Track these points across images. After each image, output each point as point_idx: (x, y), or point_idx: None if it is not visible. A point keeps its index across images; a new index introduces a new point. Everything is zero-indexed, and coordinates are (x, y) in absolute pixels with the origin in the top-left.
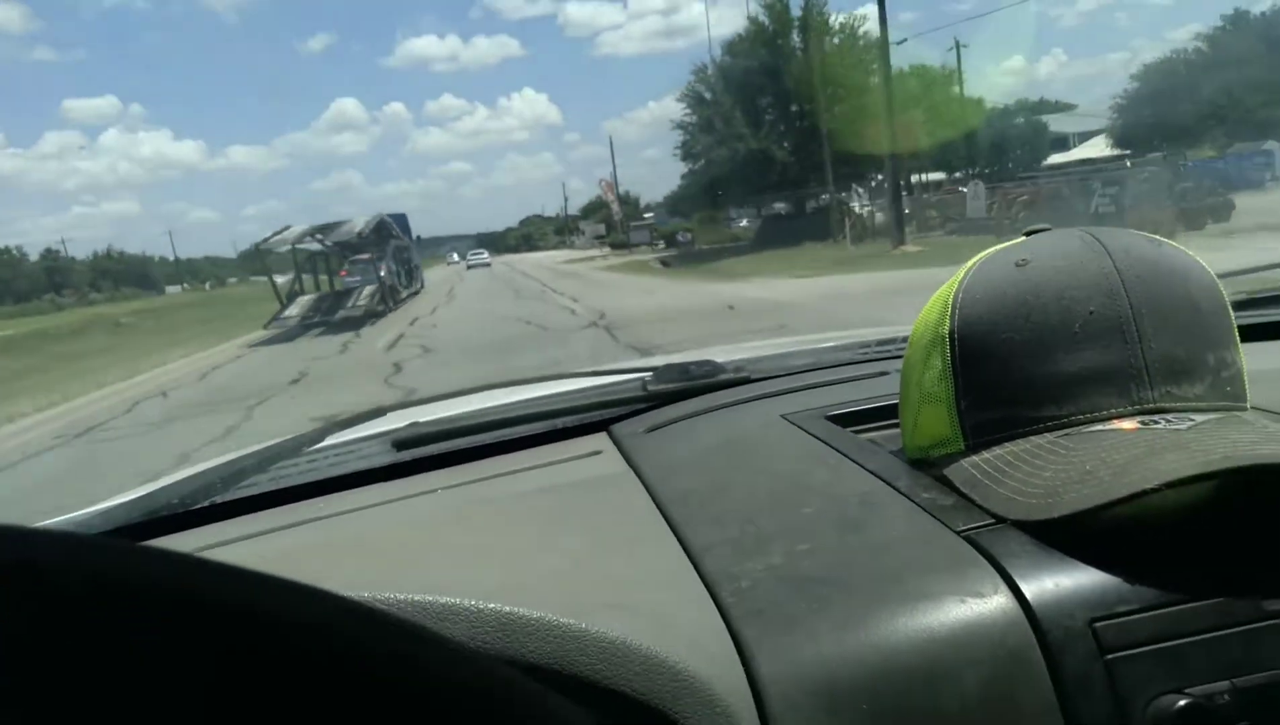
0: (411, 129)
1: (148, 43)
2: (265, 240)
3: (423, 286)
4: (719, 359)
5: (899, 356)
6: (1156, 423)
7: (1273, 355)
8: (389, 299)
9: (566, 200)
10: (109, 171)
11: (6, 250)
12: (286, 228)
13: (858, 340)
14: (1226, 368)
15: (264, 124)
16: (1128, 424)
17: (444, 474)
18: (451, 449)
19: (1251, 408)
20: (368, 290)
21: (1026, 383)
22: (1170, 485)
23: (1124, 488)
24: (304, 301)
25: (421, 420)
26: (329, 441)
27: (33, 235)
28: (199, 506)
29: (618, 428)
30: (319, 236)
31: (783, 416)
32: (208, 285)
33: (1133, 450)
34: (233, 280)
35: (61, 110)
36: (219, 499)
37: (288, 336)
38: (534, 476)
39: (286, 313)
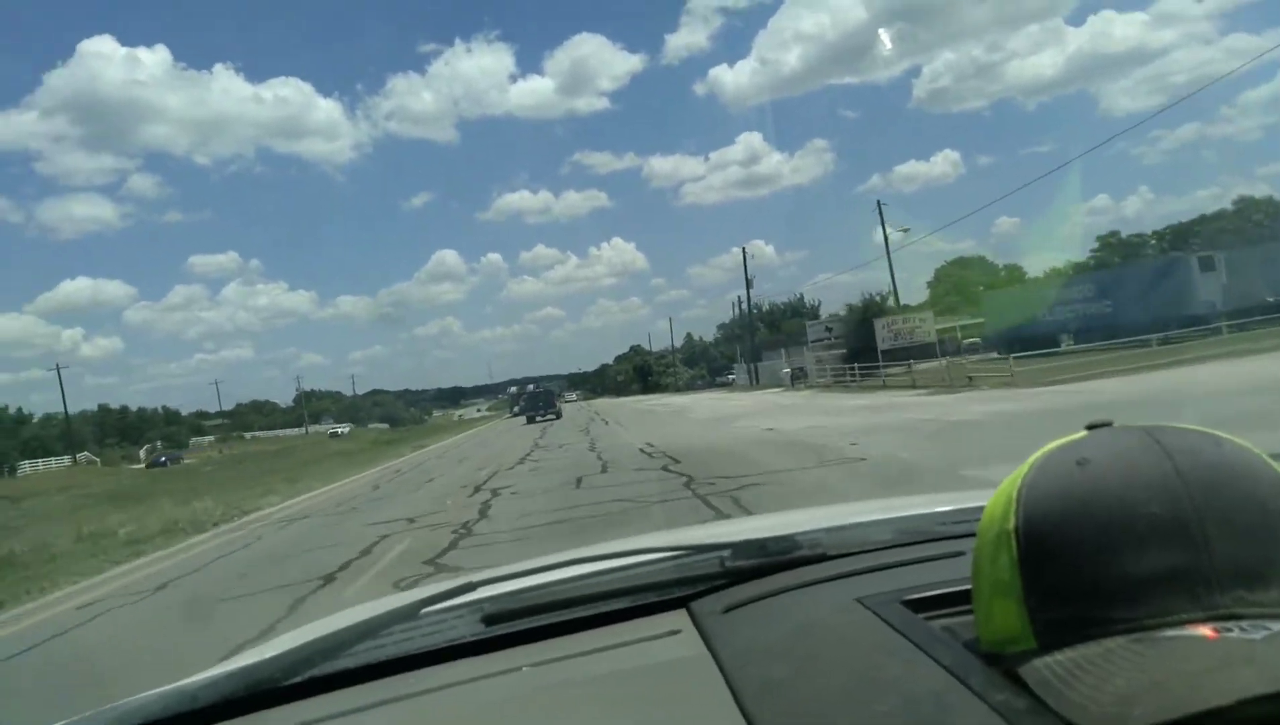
0: (507, 277)
1: (266, 204)
2: (508, 392)
3: (559, 415)
4: (800, 528)
5: (974, 535)
6: (1230, 630)
7: None
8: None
9: (750, 281)
10: (228, 321)
11: None
12: (510, 384)
13: (934, 511)
14: None
15: (370, 275)
16: (1203, 630)
17: (531, 650)
18: (537, 625)
19: None
20: (547, 408)
21: (1094, 583)
22: (1245, 703)
23: (1198, 703)
24: (517, 409)
25: (508, 592)
26: (423, 613)
27: (159, 380)
28: (296, 681)
29: (697, 605)
30: (523, 389)
31: (858, 600)
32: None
33: (1205, 661)
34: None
35: (188, 266)
36: (316, 673)
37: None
38: (618, 656)
39: (519, 407)
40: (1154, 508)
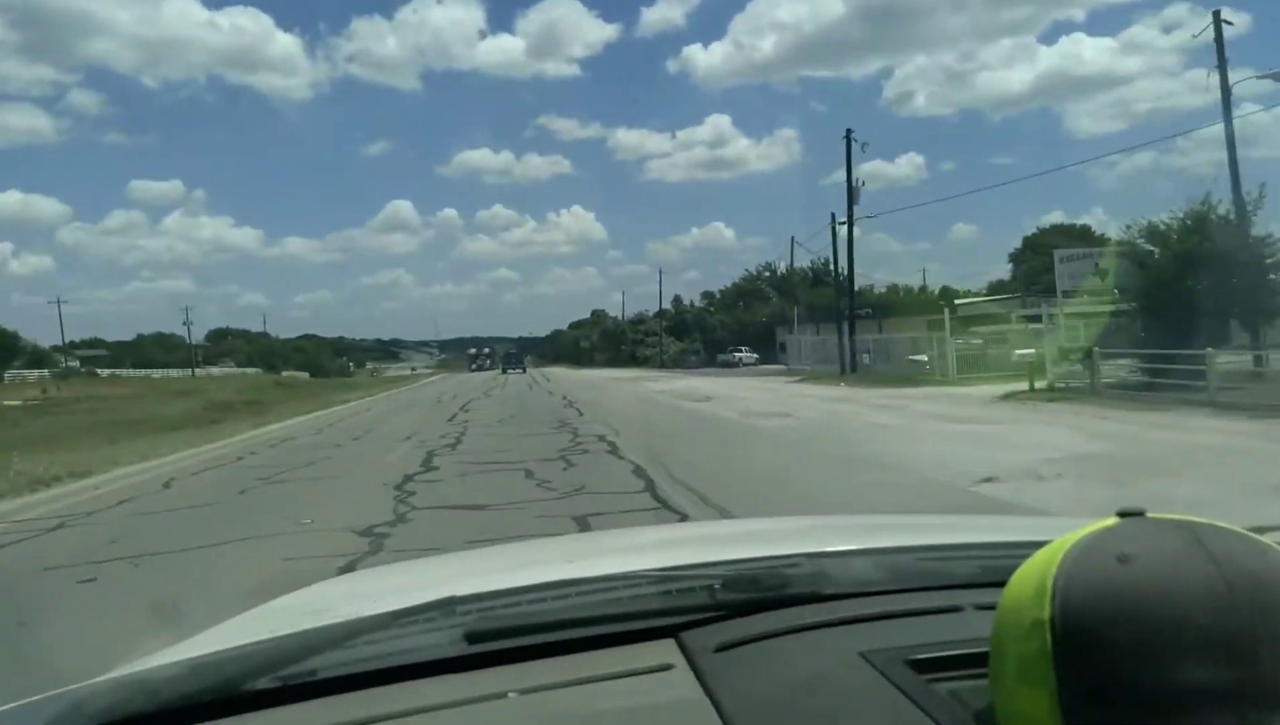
0: (462, 235)
1: (215, 135)
2: (468, 352)
3: (525, 371)
4: (791, 550)
5: (973, 586)
6: None
7: None
8: (515, 368)
9: (856, 189)
10: (168, 251)
11: None
12: (458, 343)
13: (925, 544)
14: None
15: (320, 219)
16: None
17: (513, 671)
18: (521, 645)
19: None
20: (519, 364)
21: (1136, 688)
22: None
23: None
24: (487, 363)
25: (491, 607)
26: (398, 624)
27: (91, 304)
28: (253, 689)
29: (688, 638)
30: (480, 349)
31: (862, 655)
32: None
33: None
34: None
35: (129, 190)
36: (285, 677)
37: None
38: (609, 690)
39: (476, 365)
40: (1201, 619)
